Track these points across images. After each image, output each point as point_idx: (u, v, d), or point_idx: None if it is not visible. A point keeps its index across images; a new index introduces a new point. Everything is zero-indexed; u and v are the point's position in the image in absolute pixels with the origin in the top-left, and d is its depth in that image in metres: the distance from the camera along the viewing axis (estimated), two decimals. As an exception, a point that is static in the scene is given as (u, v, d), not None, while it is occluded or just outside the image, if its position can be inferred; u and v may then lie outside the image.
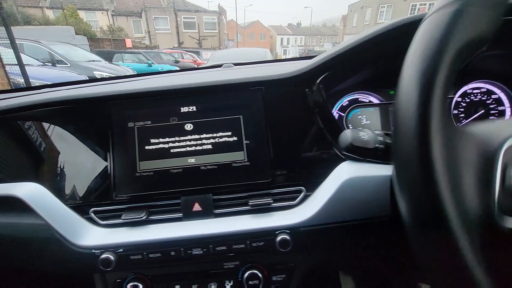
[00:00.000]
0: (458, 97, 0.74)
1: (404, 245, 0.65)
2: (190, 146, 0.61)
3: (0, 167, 0.63)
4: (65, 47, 7.72)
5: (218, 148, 0.61)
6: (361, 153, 0.40)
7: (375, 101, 0.77)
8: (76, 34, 13.02)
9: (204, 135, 0.62)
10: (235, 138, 0.62)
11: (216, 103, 0.63)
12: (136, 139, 0.61)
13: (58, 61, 7.01)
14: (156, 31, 23.21)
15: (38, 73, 5.38)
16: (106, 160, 0.62)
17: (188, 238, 0.58)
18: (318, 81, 0.59)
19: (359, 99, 0.77)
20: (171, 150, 0.61)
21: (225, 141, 0.62)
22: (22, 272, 0.65)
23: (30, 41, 7.13)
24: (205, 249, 0.58)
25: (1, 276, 0.68)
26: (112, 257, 0.56)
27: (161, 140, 0.61)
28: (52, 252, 0.58)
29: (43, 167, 0.64)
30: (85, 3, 21.08)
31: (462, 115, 0.75)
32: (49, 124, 0.65)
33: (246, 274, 0.61)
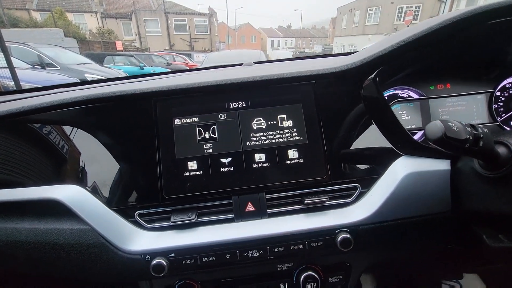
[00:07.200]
0: (497, 91, 0.74)
1: (458, 240, 0.64)
2: (241, 143, 0.59)
3: (36, 171, 0.59)
4: (54, 49, 7.49)
5: (270, 145, 0.59)
6: (451, 145, 0.38)
7: (415, 96, 0.76)
8: (65, 37, 12.69)
9: (256, 133, 0.59)
10: (286, 135, 0.59)
11: (267, 98, 0.60)
12: (183, 137, 0.58)
13: (48, 64, 6.80)
14: (146, 34, 22.90)
15: (27, 76, 5.20)
16: (150, 160, 0.58)
17: (243, 240, 0.55)
18: (374, 74, 0.58)
19: (399, 95, 0.76)
20: (221, 148, 0.59)
21: (277, 138, 0.59)
22: (66, 282, 0.60)
23: (18, 44, 6.90)
24: (261, 251, 0.55)
25: (43, 287, 0.63)
26: (164, 262, 0.53)
27: (210, 137, 0.59)
28: (98, 259, 0.54)
29: (80, 169, 0.60)
30: (73, 5, 20.62)
31: (501, 109, 0.75)
32: (87, 124, 0.61)
33: (302, 276, 0.58)
